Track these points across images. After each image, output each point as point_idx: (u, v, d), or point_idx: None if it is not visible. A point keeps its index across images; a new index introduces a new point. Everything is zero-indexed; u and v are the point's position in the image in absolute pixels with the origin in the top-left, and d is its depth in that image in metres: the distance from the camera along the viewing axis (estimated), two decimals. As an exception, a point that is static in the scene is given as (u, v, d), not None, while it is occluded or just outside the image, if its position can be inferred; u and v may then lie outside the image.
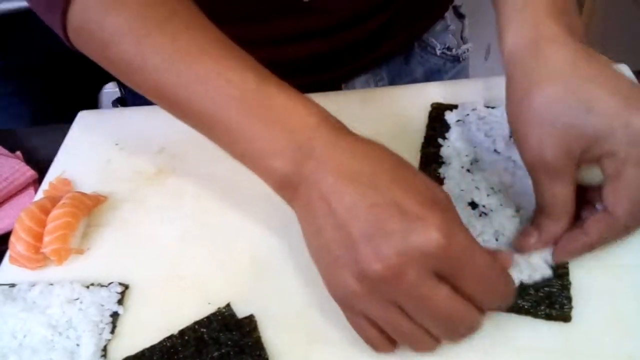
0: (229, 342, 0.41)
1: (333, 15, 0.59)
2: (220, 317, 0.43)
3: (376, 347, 0.38)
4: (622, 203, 0.38)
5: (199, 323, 0.43)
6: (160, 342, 0.42)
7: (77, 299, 0.45)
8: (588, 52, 0.39)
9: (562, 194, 0.39)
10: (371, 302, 0.34)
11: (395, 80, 0.72)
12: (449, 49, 0.73)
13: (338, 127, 0.38)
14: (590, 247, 0.41)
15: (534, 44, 0.40)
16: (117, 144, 0.59)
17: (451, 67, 0.75)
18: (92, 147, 0.59)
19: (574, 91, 0.38)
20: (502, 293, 0.36)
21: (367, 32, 0.63)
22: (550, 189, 0.40)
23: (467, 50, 0.76)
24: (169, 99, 0.42)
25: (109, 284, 0.46)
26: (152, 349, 0.42)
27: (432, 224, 0.32)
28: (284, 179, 0.38)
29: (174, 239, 0.49)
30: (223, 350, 0.41)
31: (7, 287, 0.48)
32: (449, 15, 0.74)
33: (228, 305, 0.43)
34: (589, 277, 0.42)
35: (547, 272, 0.41)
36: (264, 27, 0.55)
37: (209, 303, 0.44)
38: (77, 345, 0.43)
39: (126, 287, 0.46)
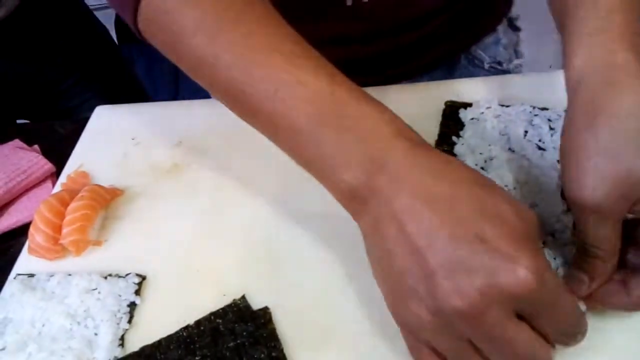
0: (244, 333, 0.42)
1: (374, 22, 0.59)
2: (235, 309, 0.43)
3: None
4: None
5: (214, 314, 0.43)
6: (177, 332, 0.43)
7: (95, 289, 0.46)
8: None
9: (610, 235, 0.36)
10: (442, 335, 0.32)
11: None
12: (499, 63, 0.70)
13: (414, 139, 0.35)
14: (631, 308, 0.38)
15: (607, 71, 0.36)
16: (133, 139, 0.59)
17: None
18: (109, 141, 0.60)
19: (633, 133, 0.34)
20: (578, 334, 0.34)
21: (410, 41, 0.62)
22: (598, 229, 0.36)
23: (520, 65, 0.72)
24: (238, 98, 0.40)
25: (127, 274, 0.47)
26: (169, 338, 0.42)
27: (521, 265, 0.30)
28: (352, 191, 0.35)
29: (190, 231, 0.50)
30: (238, 341, 0.41)
31: (26, 277, 0.48)
32: (502, 28, 0.70)
33: (243, 297, 0.44)
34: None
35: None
36: (303, 29, 0.56)
37: (225, 295, 0.45)
38: (95, 334, 0.43)
39: (143, 278, 0.47)
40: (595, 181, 0.35)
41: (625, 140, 0.34)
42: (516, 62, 0.72)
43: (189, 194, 0.53)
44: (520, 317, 0.32)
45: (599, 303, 0.38)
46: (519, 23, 0.73)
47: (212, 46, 0.39)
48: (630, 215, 0.36)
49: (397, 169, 0.34)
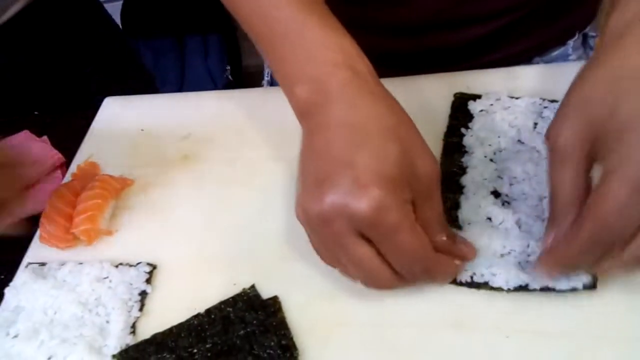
0: (255, 322, 0.42)
1: (434, 14, 0.58)
2: (245, 298, 0.44)
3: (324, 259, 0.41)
4: (593, 215, 0.35)
5: (225, 302, 0.44)
6: (188, 320, 0.43)
7: (106, 278, 0.46)
8: None
9: (568, 181, 0.37)
10: (314, 234, 0.39)
11: None
12: None
13: (357, 70, 0.40)
14: (561, 262, 0.39)
15: (622, 28, 0.38)
16: (142, 130, 0.60)
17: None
18: (119, 133, 0.60)
19: (615, 82, 0.36)
20: (413, 274, 0.39)
21: (464, 40, 0.61)
22: (558, 172, 0.38)
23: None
24: (248, 15, 0.44)
25: (137, 263, 0.48)
26: (179, 326, 0.43)
27: (367, 196, 0.35)
28: (299, 103, 0.41)
29: (200, 221, 0.50)
30: (249, 329, 0.42)
31: (37, 265, 0.49)
32: (574, 43, 0.65)
33: (253, 286, 0.44)
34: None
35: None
36: (365, 14, 0.57)
37: (234, 284, 0.45)
38: (107, 321, 0.44)
39: (154, 267, 0.48)
40: (561, 125, 0.38)
41: (595, 90, 0.37)
42: None
43: (198, 184, 0.53)
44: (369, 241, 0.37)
45: (547, 262, 0.39)
46: (594, 42, 0.66)
47: None
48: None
49: (331, 93, 0.39)
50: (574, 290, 0.40)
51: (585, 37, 0.66)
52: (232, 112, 0.59)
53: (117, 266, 0.48)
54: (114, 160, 0.57)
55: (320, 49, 0.41)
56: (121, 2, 1.60)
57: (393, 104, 0.40)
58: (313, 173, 0.38)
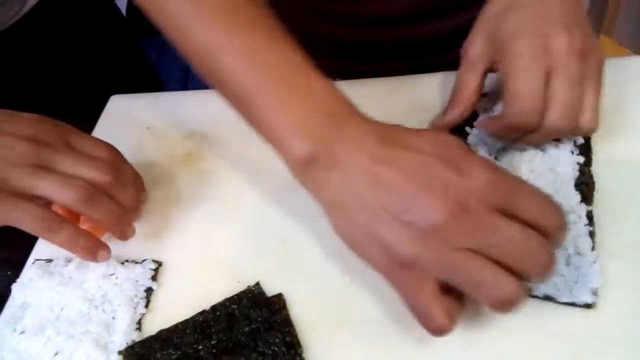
0: (259, 319, 0.42)
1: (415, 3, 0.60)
2: (250, 295, 0.44)
3: (434, 319, 0.35)
4: (509, 100, 0.43)
5: (229, 300, 0.44)
6: (193, 317, 0.43)
7: (112, 275, 0.47)
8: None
9: (468, 82, 0.47)
10: (434, 254, 0.34)
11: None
12: None
13: (363, 116, 0.39)
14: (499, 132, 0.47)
15: None
16: (148, 128, 0.60)
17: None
18: (124, 131, 0.60)
19: (513, 5, 0.45)
20: (555, 216, 0.36)
21: (466, 22, 0.62)
22: (462, 76, 0.48)
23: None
24: (212, 62, 0.41)
25: (143, 260, 0.48)
26: (185, 323, 0.43)
27: (477, 165, 0.35)
28: (310, 157, 0.38)
29: (205, 219, 0.51)
30: (253, 326, 0.42)
31: (44, 262, 0.49)
32: None
33: (257, 283, 0.45)
34: (616, 263, 0.42)
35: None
36: (346, 6, 0.57)
37: (239, 281, 0.45)
38: (113, 318, 0.44)
39: (160, 264, 0.48)
40: (472, 37, 0.48)
41: (499, 14, 0.45)
42: None
43: (203, 182, 0.53)
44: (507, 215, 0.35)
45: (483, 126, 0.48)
46: None
47: (195, 11, 0.40)
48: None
49: (353, 138, 0.37)
50: (572, 305, 0.40)
51: None
52: (237, 111, 0.60)
53: (123, 263, 0.48)
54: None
55: (328, 99, 0.39)
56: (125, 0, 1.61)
57: (402, 128, 0.39)
58: (403, 196, 0.34)
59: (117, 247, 0.50)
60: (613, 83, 0.47)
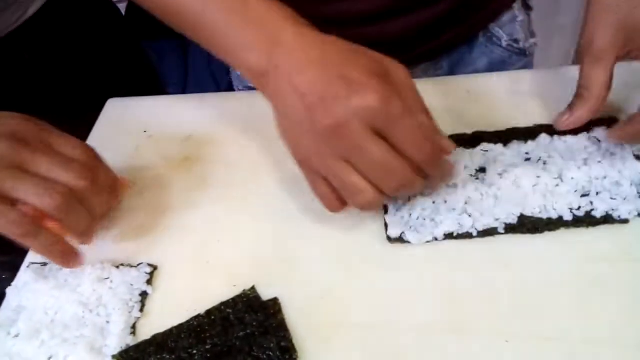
0: (254, 323, 0.42)
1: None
2: (245, 299, 0.44)
3: (327, 204, 0.44)
4: None
5: (225, 304, 0.44)
6: (188, 321, 0.43)
7: (107, 279, 0.47)
8: None
9: (597, 77, 0.45)
10: (323, 158, 0.41)
11: (454, 70, 0.71)
12: (515, 41, 0.71)
13: (304, 24, 0.43)
14: (631, 137, 0.47)
15: None
16: (145, 132, 0.60)
17: (517, 60, 0.72)
18: (121, 134, 0.60)
19: None
20: (431, 156, 0.42)
21: (431, 18, 0.63)
22: (591, 72, 0.45)
23: (535, 44, 0.74)
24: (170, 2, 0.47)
25: (139, 264, 0.48)
26: (179, 327, 0.43)
27: (370, 88, 0.39)
28: (258, 69, 0.43)
29: (201, 223, 0.50)
30: (248, 331, 0.42)
31: (39, 265, 0.49)
32: (517, 5, 0.72)
33: (253, 287, 0.45)
34: None
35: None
36: (325, 7, 0.58)
37: (235, 285, 0.45)
38: (107, 322, 0.44)
39: (155, 268, 0.48)
40: (596, 29, 0.45)
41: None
42: (531, 41, 0.74)
43: (200, 186, 0.53)
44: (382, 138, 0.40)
45: (614, 136, 0.48)
46: (531, 3, 0.74)
47: None
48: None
49: (289, 45, 0.42)
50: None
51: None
52: (234, 114, 0.60)
53: (118, 267, 0.48)
54: (116, 162, 0.57)
55: (266, 14, 0.43)
56: (126, 4, 1.61)
57: (333, 37, 0.43)
58: (305, 106, 0.40)
59: (112, 251, 0.50)
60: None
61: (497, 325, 0.40)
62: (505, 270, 0.43)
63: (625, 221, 0.45)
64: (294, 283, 0.45)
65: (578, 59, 0.45)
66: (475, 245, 0.45)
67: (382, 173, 0.41)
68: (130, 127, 0.61)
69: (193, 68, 1.71)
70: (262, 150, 0.56)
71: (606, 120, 0.51)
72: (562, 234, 0.45)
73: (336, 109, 0.39)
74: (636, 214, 0.45)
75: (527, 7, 0.74)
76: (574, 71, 0.48)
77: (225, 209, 0.51)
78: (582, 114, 0.47)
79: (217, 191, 0.53)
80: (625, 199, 0.46)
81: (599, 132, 0.50)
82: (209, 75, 1.73)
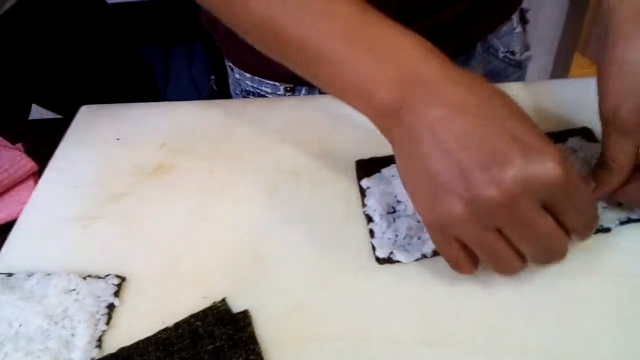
0: (223, 336, 0.41)
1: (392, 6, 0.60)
2: (215, 312, 0.43)
3: (460, 268, 0.39)
4: None
5: (194, 316, 0.43)
6: (155, 334, 0.42)
7: (73, 290, 0.45)
8: None
9: (627, 152, 0.41)
10: (472, 225, 0.36)
11: None
12: (512, 53, 0.71)
13: (444, 59, 0.38)
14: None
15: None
16: (118, 139, 0.59)
17: (512, 71, 0.72)
18: (93, 142, 0.59)
19: None
20: (591, 228, 0.39)
21: (430, 29, 0.63)
22: (618, 145, 0.41)
23: (530, 57, 0.74)
24: (271, 29, 0.41)
25: (106, 275, 0.47)
26: (147, 340, 0.42)
27: (551, 157, 0.34)
28: (387, 107, 0.38)
29: (172, 233, 0.50)
30: (217, 344, 0.41)
31: (4, 276, 0.48)
32: (516, 17, 0.72)
33: (223, 300, 0.44)
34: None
35: None
36: None
37: (205, 297, 0.44)
38: (72, 335, 0.43)
39: (123, 279, 0.47)
40: (620, 99, 0.40)
41: None
42: (527, 53, 0.74)
43: (172, 195, 0.53)
44: (545, 208, 0.35)
45: (621, 196, 0.44)
46: (528, 15, 0.74)
47: None
48: None
49: (430, 84, 0.37)
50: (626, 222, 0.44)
51: (522, 11, 0.73)
52: (208, 123, 0.59)
53: (85, 278, 0.47)
54: (87, 169, 0.56)
55: (400, 45, 0.38)
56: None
57: (480, 77, 0.39)
58: (456, 164, 0.35)
59: (79, 261, 0.49)
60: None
61: (472, 338, 0.40)
62: (481, 284, 0.43)
63: (608, 230, 0.45)
64: (268, 295, 0.44)
65: (602, 124, 0.42)
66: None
67: (542, 248, 0.37)
68: (103, 135, 0.60)
69: (174, 75, 1.71)
70: (237, 160, 0.55)
71: (578, 130, 0.51)
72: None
73: (507, 179, 0.33)
74: (617, 222, 0.45)
75: (523, 20, 0.74)
76: (568, 84, 0.48)
77: (198, 218, 0.50)
78: (612, 185, 0.43)
79: (189, 201, 0.52)
80: (605, 207, 0.46)
81: (575, 142, 0.50)
82: (190, 82, 1.72)
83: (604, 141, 0.42)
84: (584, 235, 0.39)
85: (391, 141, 0.39)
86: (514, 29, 0.71)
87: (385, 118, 0.39)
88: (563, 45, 1.60)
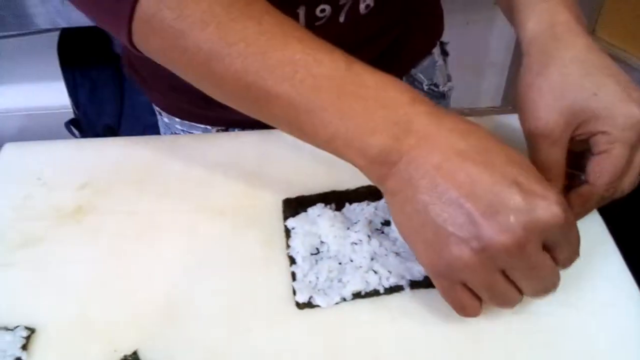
0: (132, 393, 0.40)
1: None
2: (125, 366, 0.41)
3: (467, 312, 0.40)
4: (604, 175, 0.43)
5: (102, 372, 0.41)
6: (59, 393, 0.40)
7: (-22, 344, 0.43)
8: (596, 46, 0.46)
9: (558, 158, 0.45)
10: (481, 271, 0.37)
11: None
12: (435, 85, 0.74)
13: (432, 105, 0.39)
14: (576, 216, 0.45)
15: (553, 29, 0.46)
16: (39, 179, 0.57)
17: (436, 103, 0.74)
18: (13, 181, 0.57)
19: (586, 75, 0.44)
20: (575, 256, 0.40)
21: None
22: (549, 154, 0.45)
23: (452, 87, 0.77)
24: (253, 87, 0.40)
25: (15, 327, 0.45)
26: (49, 400, 0.40)
27: (554, 201, 0.36)
28: (380, 155, 0.38)
29: (85, 280, 0.47)
30: (124, 402, 0.39)
31: None
32: (437, 51, 0.75)
33: (135, 352, 0.42)
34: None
35: None
36: None
37: (115, 350, 0.42)
38: (-28, 394, 0.41)
39: (32, 331, 0.44)
40: (547, 113, 0.44)
41: (568, 81, 0.44)
42: (449, 84, 0.77)
43: (89, 239, 0.50)
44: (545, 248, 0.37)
45: None
46: (447, 47, 0.77)
47: (224, 36, 0.39)
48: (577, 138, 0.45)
49: (424, 131, 0.37)
50: None
51: (442, 44, 0.76)
52: (134, 161, 0.57)
53: (-7, 330, 0.44)
54: (3, 211, 0.54)
55: (388, 93, 0.39)
56: (58, 33, 1.57)
57: (472, 122, 0.40)
58: (462, 213, 0.35)
59: (-11, 312, 0.46)
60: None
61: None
62: (389, 324, 0.42)
63: None
64: (180, 347, 0.43)
65: (530, 141, 0.46)
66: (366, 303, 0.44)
67: (543, 285, 0.39)
68: (24, 174, 0.57)
69: (129, 97, 1.68)
70: (160, 201, 0.53)
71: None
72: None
73: (513, 224, 0.35)
74: None
75: (444, 53, 0.77)
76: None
77: (113, 264, 0.48)
78: None
79: (106, 245, 0.50)
80: None
81: None
82: (146, 105, 1.70)
83: (536, 157, 0.45)
84: (569, 265, 0.40)
85: (385, 190, 0.40)
86: (436, 62, 0.74)
87: (379, 166, 0.38)
88: (514, 67, 1.63)
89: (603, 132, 0.43)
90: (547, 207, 0.35)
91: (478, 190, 0.35)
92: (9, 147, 0.61)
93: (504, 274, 0.37)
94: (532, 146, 0.46)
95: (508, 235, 0.35)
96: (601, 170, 0.44)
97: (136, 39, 0.43)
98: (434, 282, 0.40)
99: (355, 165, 0.40)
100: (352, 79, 0.39)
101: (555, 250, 0.38)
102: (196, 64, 0.41)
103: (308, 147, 0.42)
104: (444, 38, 0.76)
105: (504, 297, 0.39)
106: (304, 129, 0.40)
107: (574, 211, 0.45)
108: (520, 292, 0.39)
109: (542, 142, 0.45)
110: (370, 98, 0.38)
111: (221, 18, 0.40)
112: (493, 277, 0.37)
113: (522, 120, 0.46)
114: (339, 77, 0.39)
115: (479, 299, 0.39)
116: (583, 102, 0.43)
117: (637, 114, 0.42)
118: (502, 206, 0.35)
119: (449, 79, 0.78)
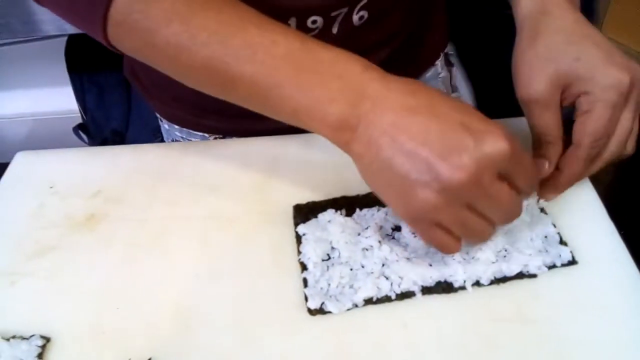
0: (147, 400, 0.40)
1: None
2: (140, 373, 0.42)
3: (449, 249, 0.43)
4: (588, 134, 0.46)
5: (117, 380, 0.41)
6: (75, 401, 0.41)
7: (-5, 354, 0.44)
8: (584, 20, 0.49)
9: (552, 121, 0.47)
10: (448, 209, 0.40)
11: None
12: None
13: (382, 71, 0.42)
14: (568, 182, 0.49)
15: (543, 5, 0.49)
16: (52, 187, 0.57)
17: None
18: (26, 190, 0.57)
19: (570, 43, 0.47)
20: (534, 185, 0.45)
21: None
22: (544, 118, 0.48)
23: (459, 97, 0.78)
24: (219, 70, 0.44)
25: (31, 336, 0.45)
26: (65, 408, 0.40)
27: (499, 135, 0.39)
28: (340, 122, 0.41)
29: (99, 288, 0.48)
30: (140, 409, 0.40)
31: None
32: (440, 62, 0.75)
33: (149, 360, 0.43)
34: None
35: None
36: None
37: (130, 359, 0.43)
38: (-10, 403, 0.41)
39: (47, 340, 0.45)
40: (535, 81, 0.47)
41: (553, 48, 0.47)
42: (453, 95, 0.77)
43: (102, 247, 0.51)
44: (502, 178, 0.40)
45: (549, 191, 0.50)
46: (452, 59, 0.77)
47: (187, 29, 0.43)
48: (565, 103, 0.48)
49: (377, 95, 0.41)
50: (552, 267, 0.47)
51: (446, 55, 0.77)
52: (145, 168, 0.58)
53: (8, 339, 0.45)
54: (16, 220, 0.54)
55: (341, 64, 0.42)
56: (65, 39, 1.58)
57: (418, 81, 0.43)
58: (420, 161, 0.38)
59: (5, 320, 0.47)
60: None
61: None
62: (401, 330, 0.43)
63: (534, 275, 0.46)
64: (193, 354, 0.43)
65: (525, 107, 0.49)
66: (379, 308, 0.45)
67: (505, 213, 0.42)
68: (37, 182, 0.58)
69: (136, 103, 1.68)
70: (172, 208, 0.54)
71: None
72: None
73: (466, 161, 0.38)
74: (545, 269, 0.46)
75: (448, 64, 0.77)
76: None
77: (126, 272, 0.49)
78: (557, 154, 0.49)
79: (119, 253, 0.50)
80: (530, 254, 0.46)
81: None
82: (153, 110, 1.70)
83: (532, 122, 0.48)
84: (530, 191, 0.44)
85: (351, 154, 0.42)
86: (439, 74, 0.75)
87: (342, 133, 0.42)
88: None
89: (585, 93, 0.46)
90: (494, 140, 0.38)
91: (431, 138, 0.39)
92: (21, 156, 0.62)
93: (471, 208, 0.40)
94: (527, 113, 0.49)
95: (463, 172, 0.38)
96: (584, 129, 0.46)
97: (112, 40, 0.47)
98: (413, 228, 0.45)
99: (323, 135, 0.43)
100: (307, 56, 0.43)
101: (512, 178, 0.41)
102: (167, 58, 0.45)
103: (318, 152, 0.43)
104: (449, 48, 0.76)
105: (476, 230, 0.42)
106: (270, 106, 0.44)
107: (565, 173, 0.48)
108: (491, 223, 0.42)
109: (535, 107, 0.48)
110: (325, 71, 0.42)
111: (184, 13, 0.44)
112: (461, 212, 0.40)
113: (517, 90, 0.49)
114: (295, 55, 0.42)
115: (457, 236, 0.42)
116: (566, 66, 0.46)
117: (617, 75, 0.45)
118: (454, 147, 0.38)
119: (454, 89, 0.77)
